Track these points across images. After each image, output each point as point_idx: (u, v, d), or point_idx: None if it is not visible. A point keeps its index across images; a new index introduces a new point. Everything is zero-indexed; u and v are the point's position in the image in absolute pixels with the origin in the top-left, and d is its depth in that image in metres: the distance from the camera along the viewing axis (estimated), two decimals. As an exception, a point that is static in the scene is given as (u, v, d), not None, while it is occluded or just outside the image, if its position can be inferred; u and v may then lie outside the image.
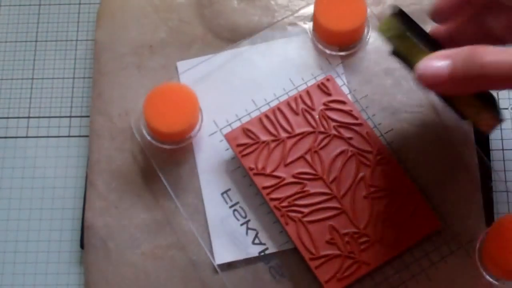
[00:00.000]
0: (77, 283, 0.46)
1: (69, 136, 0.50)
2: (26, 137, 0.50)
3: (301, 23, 0.49)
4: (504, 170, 0.48)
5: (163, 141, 0.46)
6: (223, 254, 0.44)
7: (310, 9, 0.49)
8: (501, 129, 0.48)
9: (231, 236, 0.44)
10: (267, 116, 0.46)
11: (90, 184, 0.46)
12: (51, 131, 0.50)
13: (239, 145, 0.45)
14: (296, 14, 0.49)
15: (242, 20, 0.50)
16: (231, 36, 0.49)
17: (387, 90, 0.47)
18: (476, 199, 0.44)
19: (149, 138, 0.46)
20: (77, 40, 0.53)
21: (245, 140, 0.45)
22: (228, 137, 0.45)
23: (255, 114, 0.46)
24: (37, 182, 0.49)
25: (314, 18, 0.47)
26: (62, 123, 0.51)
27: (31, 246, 0.47)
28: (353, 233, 0.43)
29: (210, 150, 0.46)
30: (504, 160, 0.47)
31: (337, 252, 0.42)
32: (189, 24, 0.50)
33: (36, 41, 0.53)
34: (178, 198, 0.45)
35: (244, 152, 0.45)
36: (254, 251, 0.43)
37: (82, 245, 0.46)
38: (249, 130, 0.45)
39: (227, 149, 0.46)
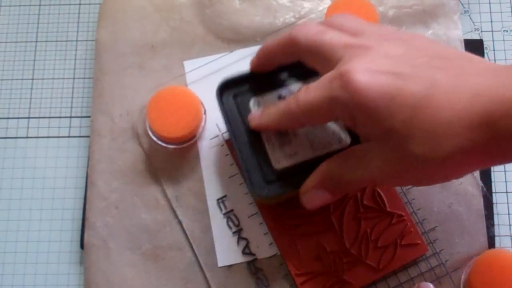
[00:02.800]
0: (77, 284, 0.47)
1: (69, 137, 0.51)
2: (26, 137, 0.51)
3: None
4: (504, 170, 0.49)
5: (165, 142, 0.47)
6: (225, 256, 0.45)
7: (321, 13, 0.50)
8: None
9: (229, 241, 0.45)
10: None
11: (91, 184, 0.47)
12: (51, 131, 0.51)
13: None
14: (310, 19, 0.50)
15: (244, 20, 0.50)
16: (232, 36, 0.50)
17: None
18: (469, 228, 0.45)
19: (150, 138, 0.47)
20: (77, 40, 0.53)
21: (245, 147, 0.46)
22: (229, 144, 0.46)
23: (258, 119, 0.47)
24: (37, 182, 0.50)
25: None
26: (62, 124, 0.51)
27: (31, 246, 0.48)
28: (339, 251, 0.43)
29: (211, 153, 0.47)
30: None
31: (323, 269, 0.43)
32: (190, 24, 0.50)
33: (36, 41, 0.54)
34: (179, 198, 0.46)
35: None
36: (243, 260, 0.44)
37: (82, 246, 0.47)
38: None
39: (227, 155, 0.47)
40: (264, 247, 0.45)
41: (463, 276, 0.43)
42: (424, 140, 0.33)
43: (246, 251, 0.45)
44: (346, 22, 0.39)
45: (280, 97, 0.43)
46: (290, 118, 0.39)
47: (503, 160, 0.33)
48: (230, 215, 0.45)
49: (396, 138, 0.33)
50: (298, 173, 0.41)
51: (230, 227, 0.45)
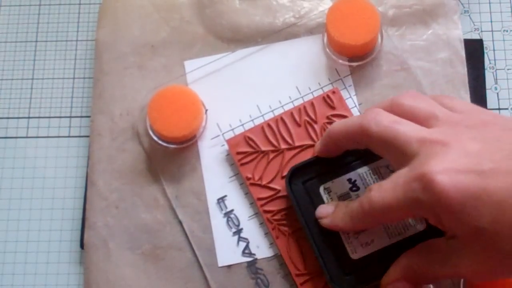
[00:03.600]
0: (77, 283, 0.47)
1: (69, 137, 0.51)
2: (26, 137, 0.51)
3: (315, 30, 0.50)
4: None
5: (165, 141, 0.47)
6: (225, 256, 0.45)
7: (322, 13, 0.50)
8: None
9: (229, 241, 0.45)
10: (269, 126, 0.47)
11: (91, 184, 0.47)
12: (51, 131, 0.51)
13: (239, 153, 0.46)
14: (310, 19, 0.50)
15: (244, 20, 0.50)
16: (232, 36, 0.50)
17: None
18: None
19: (150, 138, 0.47)
20: (77, 40, 0.54)
21: (246, 149, 0.46)
22: (229, 144, 0.46)
23: (259, 120, 0.47)
24: (37, 182, 0.50)
25: (326, 28, 0.47)
26: (62, 123, 0.51)
27: (31, 246, 0.49)
28: None
29: (212, 153, 0.47)
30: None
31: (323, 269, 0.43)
32: (190, 24, 0.50)
33: (36, 41, 0.54)
34: (179, 198, 0.46)
35: (243, 161, 0.46)
36: (244, 260, 0.45)
37: (82, 245, 0.47)
38: (250, 139, 0.46)
39: (228, 155, 0.47)
40: (264, 247, 0.45)
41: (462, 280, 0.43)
42: None
43: (246, 251, 0.45)
44: (417, 106, 0.38)
45: (350, 181, 0.43)
46: (364, 220, 0.38)
47: None
48: (230, 215, 0.46)
49: (485, 237, 0.33)
50: (376, 261, 0.41)
51: (230, 227, 0.45)
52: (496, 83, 0.51)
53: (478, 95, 0.49)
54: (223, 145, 0.47)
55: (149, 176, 0.47)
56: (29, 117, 0.52)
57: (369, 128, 0.38)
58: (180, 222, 0.46)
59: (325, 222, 0.41)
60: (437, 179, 0.33)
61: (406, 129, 0.36)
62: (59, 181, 0.50)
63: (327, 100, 0.47)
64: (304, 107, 0.47)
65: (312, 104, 0.47)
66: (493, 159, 0.33)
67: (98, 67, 0.50)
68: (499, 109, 0.50)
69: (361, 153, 0.43)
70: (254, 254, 0.45)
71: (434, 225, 0.35)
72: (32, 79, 0.53)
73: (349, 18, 0.46)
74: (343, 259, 0.41)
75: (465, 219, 0.33)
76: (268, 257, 0.45)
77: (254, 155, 0.46)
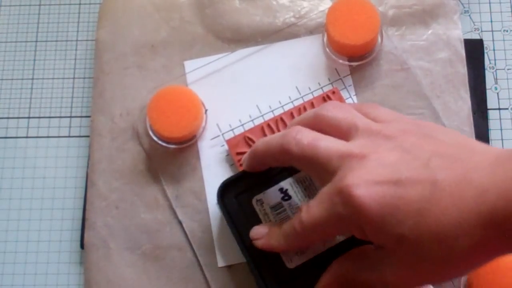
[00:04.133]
0: (77, 283, 0.48)
1: (69, 137, 0.51)
2: (26, 137, 0.51)
3: (315, 30, 0.50)
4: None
5: (165, 141, 0.47)
6: (225, 256, 0.45)
7: (322, 13, 0.50)
8: (501, 129, 0.50)
9: (229, 241, 0.45)
10: (269, 126, 0.47)
11: (91, 184, 0.47)
12: (51, 131, 0.51)
13: (239, 153, 0.46)
14: (310, 19, 0.50)
15: (244, 20, 0.50)
16: (232, 36, 0.50)
17: (394, 107, 0.47)
18: None
19: (150, 138, 0.47)
20: (77, 40, 0.54)
21: (245, 149, 0.46)
22: (229, 144, 0.46)
23: (259, 120, 0.47)
24: (37, 182, 0.50)
25: (326, 28, 0.47)
26: (62, 123, 0.52)
27: (31, 246, 0.49)
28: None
29: (212, 153, 0.47)
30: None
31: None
32: (190, 24, 0.51)
33: (36, 41, 0.54)
34: (179, 198, 0.46)
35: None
36: (243, 260, 0.44)
37: (82, 245, 0.47)
38: (250, 139, 0.46)
39: (227, 155, 0.47)
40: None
41: (463, 278, 0.43)
42: (434, 244, 0.32)
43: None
44: (337, 117, 0.38)
45: (282, 191, 0.43)
46: (298, 240, 0.39)
47: None
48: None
49: (407, 245, 0.33)
50: (311, 269, 0.41)
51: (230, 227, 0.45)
52: (496, 83, 0.51)
53: (478, 95, 0.49)
54: (223, 145, 0.47)
55: (149, 176, 0.47)
56: (29, 117, 0.52)
57: (290, 148, 0.38)
58: (180, 222, 0.46)
59: (259, 243, 0.41)
60: (354, 192, 0.33)
61: (326, 146, 0.37)
62: (59, 181, 0.50)
63: (327, 100, 0.47)
64: (304, 107, 0.47)
65: (312, 104, 0.47)
66: (410, 168, 0.34)
67: (98, 67, 0.50)
68: (499, 109, 0.50)
69: None
70: (253, 254, 0.45)
71: (361, 238, 0.36)
72: (32, 79, 0.53)
73: (349, 18, 0.47)
74: (279, 269, 0.41)
75: (385, 228, 0.33)
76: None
77: (253, 156, 0.46)
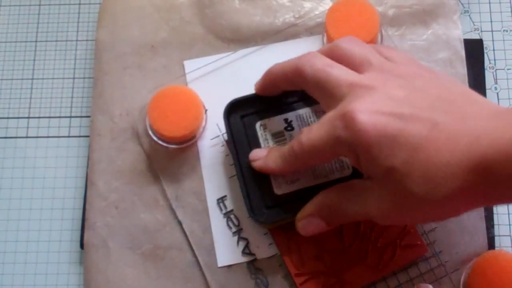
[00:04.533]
0: (77, 283, 0.48)
1: (69, 137, 0.51)
2: (26, 137, 0.51)
3: (315, 30, 0.50)
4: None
5: (165, 141, 0.47)
6: (225, 256, 0.45)
7: (322, 14, 0.50)
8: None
9: (228, 241, 0.45)
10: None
11: (91, 184, 0.47)
12: (51, 131, 0.51)
13: None
14: (310, 19, 0.50)
15: (244, 20, 0.50)
16: (232, 36, 0.50)
17: None
18: (469, 228, 0.45)
19: (150, 138, 0.47)
20: (77, 40, 0.54)
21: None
22: (229, 144, 0.46)
23: (259, 120, 0.48)
24: (37, 182, 0.50)
25: (326, 29, 0.48)
26: (62, 123, 0.52)
27: (31, 246, 0.49)
28: (339, 251, 0.44)
29: (212, 153, 0.47)
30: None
31: (322, 269, 0.43)
32: (190, 24, 0.51)
33: (36, 41, 0.54)
34: (179, 198, 0.46)
35: None
36: (243, 260, 0.45)
37: (82, 245, 0.47)
38: None
39: (227, 155, 0.47)
40: (264, 247, 0.45)
41: (462, 277, 0.44)
42: (422, 180, 0.33)
43: (246, 251, 0.45)
44: (353, 50, 0.39)
45: (286, 121, 0.44)
46: (295, 161, 0.40)
47: (500, 201, 0.35)
48: (230, 215, 0.46)
49: (396, 177, 0.34)
50: (298, 199, 0.41)
51: (230, 227, 0.45)
52: (496, 83, 0.51)
53: (478, 95, 0.49)
54: (223, 145, 0.47)
55: (149, 176, 0.47)
56: (29, 117, 0.52)
57: (304, 69, 0.39)
58: (180, 222, 0.46)
59: (257, 164, 0.42)
60: (357, 117, 0.35)
61: (338, 73, 0.38)
62: (59, 181, 0.50)
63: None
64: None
65: (311, 104, 0.47)
66: (415, 106, 0.35)
67: (98, 67, 0.50)
68: (499, 109, 0.50)
69: (302, 94, 0.43)
70: (253, 254, 0.45)
71: (353, 166, 0.37)
72: (32, 79, 0.53)
73: (349, 19, 0.47)
74: (267, 194, 0.42)
75: (379, 157, 0.34)
76: (267, 257, 0.45)
77: (253, 154, 0.46)
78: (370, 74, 0.38)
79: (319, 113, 0.44)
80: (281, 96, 0.44)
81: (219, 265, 0.45)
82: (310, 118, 0.44)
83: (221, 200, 0.46)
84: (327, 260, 0.44)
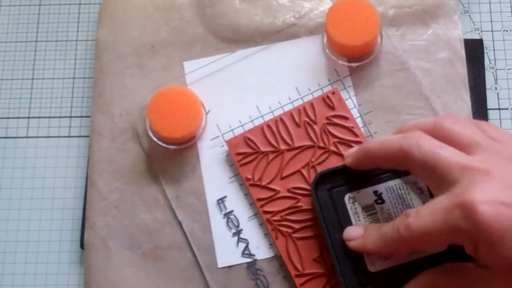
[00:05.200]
0: (77, 284, 0.48)
1: (69, 136, 0.51)
2: (26, 137, 0.51)
3: (315, 30, 0.50)
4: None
5: (165, 142, 0.47)
6: (225, 257, 0.45)
7: (322, 13, 0.50)
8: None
9: (228, 241, 0.45)
10: (269, 126, 0.47)
11: (91, 184, 0.47)
12: (51, 131, 0.52)
13: (238, 154, 0.46)
14: (310, 19, 0.50)
15: (244, 20, 0.50)
16: (232, 36, 0.50)
17: (394, 107, 0.48)
18: None
19: (150, 139, 0.47)
20: (77, 40, 0.54)
21: (245, 149, 0.46)
22: (229, 145, 0.46)
23: (258, 121, 0.47)
24: (37, 182, 0.50)
25: (326, 29, 0.47)
26: (62, 123, 0.52)
27: (31, 246, 0.49)
28: None
29: (212, 154, 0.47)
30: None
31: (323, 270, 0.43)
32: (190, 24, 0.51)
33: (36, 41, 0.54)
34: (179, 198, 0.46)
35: (243, 161, 0.46)
36: (243, 261, 0.45)
37: (82, 245, 0.47)
38: (250, 139, 0.46)
39: (227, 155, 0.47)
40: (264, 248, 0.45)
41: None
42: None
43: (246, 252, 0.45)
44: (459, 132, 0.38)
45: (376, 194, 0.43)
46: (399, 245, 0.38)
47: None
48: (230, 216, 0.46)
49: None
50: (393, 276, 0.41)
51: (230, 228, 0.45)
52: (496, 83, 0.51)
53: (478, 95, 0.49)
54: (222, 145, 0.47)
55: (149, 176, 0.47)
56: (29, 117, 0.52)
57: (411, 152, 0.37)
58: (180, 222, 0.46)
59: (354, 244, 0.41)
60: (479, 209, 0.33)
61: (448, 155, 0.36)
62: (59, 181, 0.50)
63: (326, 101, 0.47)
64: (304, 108, 0.47)
65: (311, 104, 0.47)
66: None
67: (98, 67, 0.50)
68: (499, 109, 0.50)
69: None
70: (254, 255, 0.45)
71: (469, 254, 0.36)
72: (32, 79, 0.53)
73: (349, 19, 0.47)
74: (360, 270, 0.41)
75: (502, 251, 0.33)
76: (268, 258, 0.45)
77: (253, 156, 0.46)
78: (480, 157, 0.36)
79: (409, 184, 0.43)
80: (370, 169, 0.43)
81: (219, 266, 0.45)
82: (400, 190, 0.43)
83: (221, 201, 0.46)
84: (327, 261, 0.44)
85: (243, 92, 0.48)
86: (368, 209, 0.43)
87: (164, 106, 0.45)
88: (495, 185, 0.34)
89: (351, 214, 0.43)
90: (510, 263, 0.33)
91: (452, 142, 0.38)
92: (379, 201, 0.43)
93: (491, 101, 0.50)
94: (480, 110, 0.49)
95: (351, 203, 0.43)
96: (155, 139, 0.47)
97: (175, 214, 0.46)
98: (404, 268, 0.41)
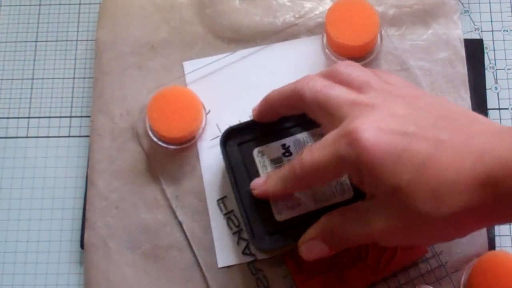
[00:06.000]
0: (77, 283, 0.48)
1: (69, 136, 0.51)
2: (26, 137, 0.51)
3: (315, 30, 0.50)
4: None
5: (165, 142, 0.47)
6: (225, 256, 0.45)
7: (322, 14, 0.50)
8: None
9: (228, 241, 0.45)
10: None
11: (91, 184, 0.47)
12: (51, 131, 0.52)
13: None
14: (310, 19, 0.50)
15: (244, 20, 0.50)
16: (232, 36, 0.50)
17: None
18: None
19: (150, 138, 0.47)
20: (77, 40, 0.54)
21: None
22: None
23: (258, 121, 0.48)
24: (37, 182, 0.50)
25: (325, 29, 0.48)
26: (62, 123, 0.52)
27: (31, 246, 0.49)
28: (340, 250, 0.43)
29: (212, 154, 0.47)
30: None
31: (323, 269, 0.43)
32: (190, 24, 0.51)
33: (36, 41, 0.54)
34: (179, 198, 0.46)
35: None
36: (243, 260, 0.45)
37: (82, 245, 0.47)
38: None
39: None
40: (264, 247, 0.45)
41: (463, 278, 0.44)
42: (429, 199, 0.33)
43: (246, 251, 0.45)
44: (352, 74, 0.39)
45: (284, 147, 0.44)
46: (296, 182, 0.39)
47: (505, 220, 0.34)
48: (230, 216, 0.46)
49: (401, 196, 0.34)
50: (300, 225, 0.41)
51: (230, 228, 0.45)
52: (496, 83, 0.51)
53: (478, 95, 0.49)
54: (222, 145, 0.47)
55: (149, 176, 0.47)
56: (29, 117, 0.52)
57: (303, 93, 0.39)
58: (180, 222, 0.46)
59: (257, 191, 0.42)
60: (361, 135, 0.34)
61: (338, 93, 0.38)
62: (59, 181, 0.50)
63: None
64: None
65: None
66: (418, 124, 0.35)
67: (98, 67, 0.50)
68: (499, 109, 0.50)
69: (299, 119, 0.44)
70: (254, 255, 0.45)
71: (356, 185, 0.37)
72: (32, 79, 0.53)
73: (349, 19, 0.47)
74: (268, 220, 0.42)
75: (384, 176, 0.34)
76: (268, 257, 0.45)
77: (251, 155, 0.46)
78: (370, 94, 0.38)
79: (316, 137, 0.44)
80: (277, 122, 0.44)
81: (219, 265, 0.45)
82: (308, 142, 0.44)
83: (221, 201, 0.46)
84: (327, 260, 0.44)
85: (243, 92, 0.48)
86: (275, 162, 0.44)
87: (164, 106, 0.46)
88: (379, 115, 0.36)
89: (259, 167, 0.44)
90: (390, 188, 0.34)
91: (346, 83, 0.39)
92: (287, 154, 0.44)
93: (491, 101, 0.50)
94: (480, 110, 0.49)
95: (260, 156, 0.44)
96: (155, 139, 0.47)
97: (175, 214, 0.46)
98: (310, 216, 0.41)
